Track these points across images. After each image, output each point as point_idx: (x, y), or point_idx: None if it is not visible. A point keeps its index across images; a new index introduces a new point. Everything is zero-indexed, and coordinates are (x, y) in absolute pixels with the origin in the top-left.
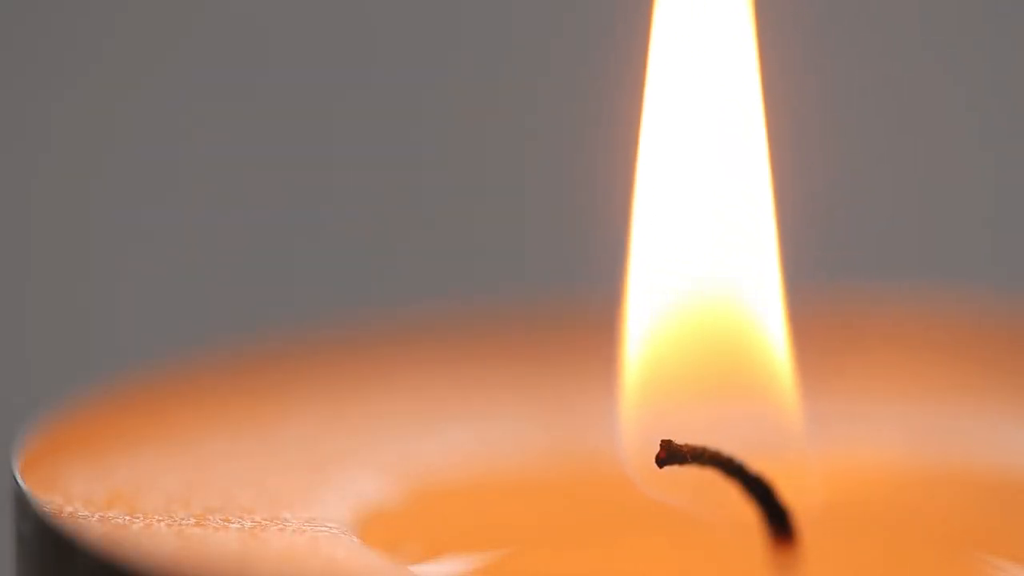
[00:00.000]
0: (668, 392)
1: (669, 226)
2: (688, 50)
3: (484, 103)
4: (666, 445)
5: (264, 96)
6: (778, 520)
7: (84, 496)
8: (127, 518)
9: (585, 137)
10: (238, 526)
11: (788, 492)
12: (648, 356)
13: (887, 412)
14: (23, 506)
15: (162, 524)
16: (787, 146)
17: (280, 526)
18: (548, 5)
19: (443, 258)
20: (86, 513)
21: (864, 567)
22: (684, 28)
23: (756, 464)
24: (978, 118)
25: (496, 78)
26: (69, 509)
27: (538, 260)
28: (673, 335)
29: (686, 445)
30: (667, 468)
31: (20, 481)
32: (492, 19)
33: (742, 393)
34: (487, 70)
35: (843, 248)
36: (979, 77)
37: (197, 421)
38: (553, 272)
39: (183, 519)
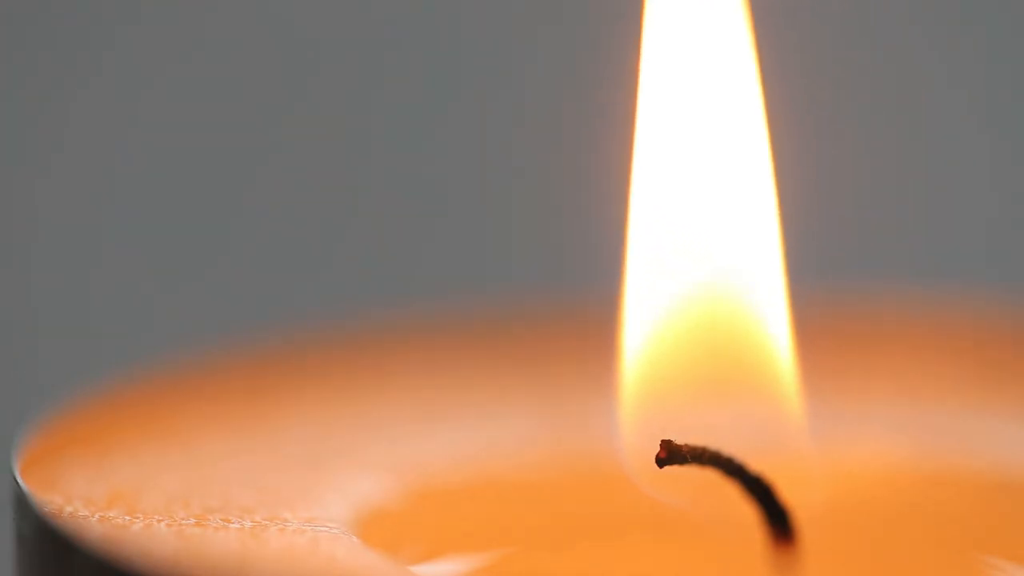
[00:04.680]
0: (669, 392)
1: (668, 224)
2: (685, 40)
3: (479, 100)
4: (666, 445)
5: (264, 95)
6: (778, 520)
7: (84, 496)
8: (127, 518)
9: (582, 133)
10: (238, 526)
11: (788, 492)
12: (648, 355)
13: (887, 412)
14: (23, 506)
15: (162, 524)
16: (787, 143)
17: (280, 526)
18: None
19: (442, 258)
20: (86, 513)
21: (864, 567)
22: (680, 18)
23: (756, 464)
24: (980, 118)
25: (489, 74)
26: (69, 509)
27: (537, 260)
28: (674, 334)
29: (686, 445)
30: (667, 468)
31: (20, 481)
32: (485, 12)
33: (743, 392)
34: (481, 66)
35: (843, 248)
36: (982, 76)
37: (197, 421)
38: (552, 272)
39: (183, 519)
